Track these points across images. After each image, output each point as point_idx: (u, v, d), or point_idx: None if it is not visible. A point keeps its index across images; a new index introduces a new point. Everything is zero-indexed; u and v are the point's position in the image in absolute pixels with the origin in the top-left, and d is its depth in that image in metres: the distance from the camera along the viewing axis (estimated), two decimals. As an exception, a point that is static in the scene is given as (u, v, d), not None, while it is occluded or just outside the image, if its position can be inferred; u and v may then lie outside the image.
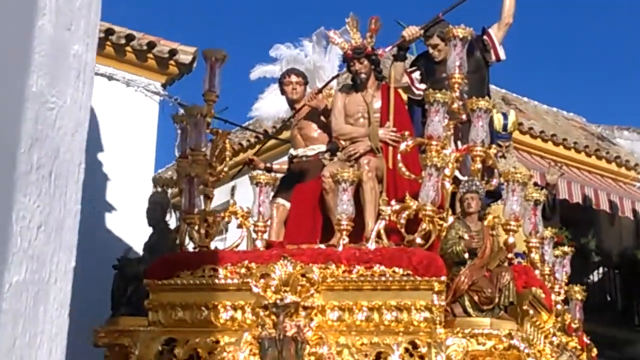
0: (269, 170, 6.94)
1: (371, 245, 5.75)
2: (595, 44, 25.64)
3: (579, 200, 12.49)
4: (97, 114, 8.98)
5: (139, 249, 6.82)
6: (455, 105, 6.02)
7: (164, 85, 9.49)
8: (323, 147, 6.80)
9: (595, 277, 13.53)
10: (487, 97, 6.05)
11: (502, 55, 6.80)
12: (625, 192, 13.62)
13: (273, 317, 5.52)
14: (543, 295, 5.92)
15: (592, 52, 26.17)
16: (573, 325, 6.92)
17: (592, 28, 26.09)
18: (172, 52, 9.32)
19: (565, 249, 7.26)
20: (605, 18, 25.80)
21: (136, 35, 9.26)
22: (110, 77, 9.14)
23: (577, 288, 7.39)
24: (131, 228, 8.56)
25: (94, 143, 8.89)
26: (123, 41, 9.15)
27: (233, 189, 11.85)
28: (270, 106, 7.46)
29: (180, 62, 9.39)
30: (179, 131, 6.53)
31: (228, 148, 6.39)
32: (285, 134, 11.10)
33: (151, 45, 9.26)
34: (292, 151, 6.99)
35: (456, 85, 6.09)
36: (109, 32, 9.08)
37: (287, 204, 6.66)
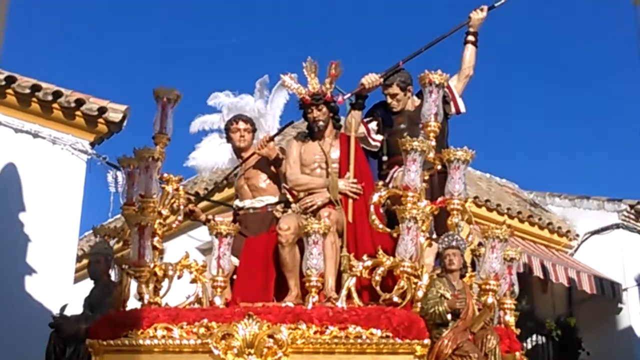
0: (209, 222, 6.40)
1: (341, 304, 5.26)
2: (527, 111, 26.03)
3: (513, 266, 12.25)
4: (20, 172, 8.56)
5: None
6: (430, 155, 5.65)
7: (92, 144, 9.10)
8: (272, 199, 6.31)
9: (528, 344, 13.27)
10: (465, 149, 5.67)
11: (462, 108, 6.50)
12: (558, 259, 13.48)
13: (235, 382, 4.97)
14: (521, 362, 5.53)
15: (524, 119, 26.54)
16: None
17: (524, 95, 26.48)
18: (102, 110, 8.92)
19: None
20: (537, 86, 26.28)
21: (64, 92, 8.86)
22: (35, 135, 8.76)
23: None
24: (53, 291, 8.08)
25: (15, 202, 8.36)
26: (50, 98, 8.74)
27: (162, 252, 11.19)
28: (208, 156, 6.95)
29: (110, 120, 9.02)
30: (123, 175, 5.99)
31: (182, 195, 5.85)
32: (219, 196, 10.72)
33: (79, 102, 8.86)
34: (237, 202, 6.47)
35: (432, 134, 5.73)
36: (35, 88, 8.67)
37: (233, 259, 6.12)
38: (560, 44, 25.88)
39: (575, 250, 13.99)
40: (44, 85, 8.77)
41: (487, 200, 13.22)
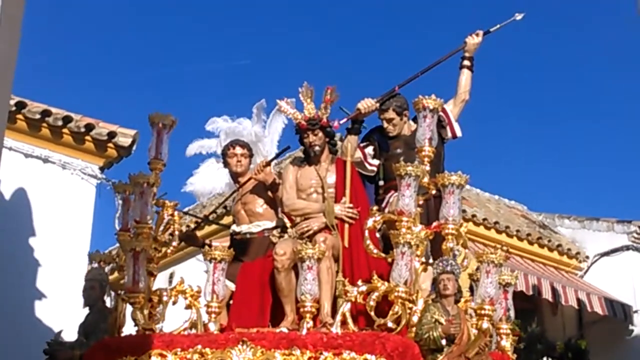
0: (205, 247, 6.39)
1: (336, 330, 5.23)
2: (535, 134, 25.95)
3: (522, 288, 12.17)
4: (31, 197, 8.58)
5: (70, 336, 6.20)
6: (425, 180, 5.64)
7: (101, 169, 9.12)
8: (269, 224, 6.30)
9: (539, 367, 13.15)
10: (459, 173, 5.66)
11: (458, 132, 6.50)
12: (568, 280, 13.39)
13: (228, 409, 4.95)
14: (519, 387, 5.48)
15: (532, 141, 26.43)
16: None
17: (533, 116, 26.40)
18: (111, 135, 8.96)
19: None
20: (545, 109, 26.19)
21: (74, 117, 8.90)
22: (45, 160, 8.78)
23: None
24: (62, 316, 8.01)
25: (25, 227, 8.37)
26: (60, 123, 8.78)
27: (171, 275, 11.24)
28: (206, 181, 6.97)
29: (119, 145, 9.05)
30: (119, 201, 5.99)
31: (177, 221, 5.85)
32: (228, 219, 10.72)
33: (89, 127, 8.90)
34: (234, 227, 6.46)
35: (426, 159, 5.72)
36: (45, 113, 8.71)
37: (229, 284, 6.11)
38: (569, 65, 25.86)
39: (585, 272, 13.89)
40: (53, 110, 8.83)
41: (496, 222, 13.18)
